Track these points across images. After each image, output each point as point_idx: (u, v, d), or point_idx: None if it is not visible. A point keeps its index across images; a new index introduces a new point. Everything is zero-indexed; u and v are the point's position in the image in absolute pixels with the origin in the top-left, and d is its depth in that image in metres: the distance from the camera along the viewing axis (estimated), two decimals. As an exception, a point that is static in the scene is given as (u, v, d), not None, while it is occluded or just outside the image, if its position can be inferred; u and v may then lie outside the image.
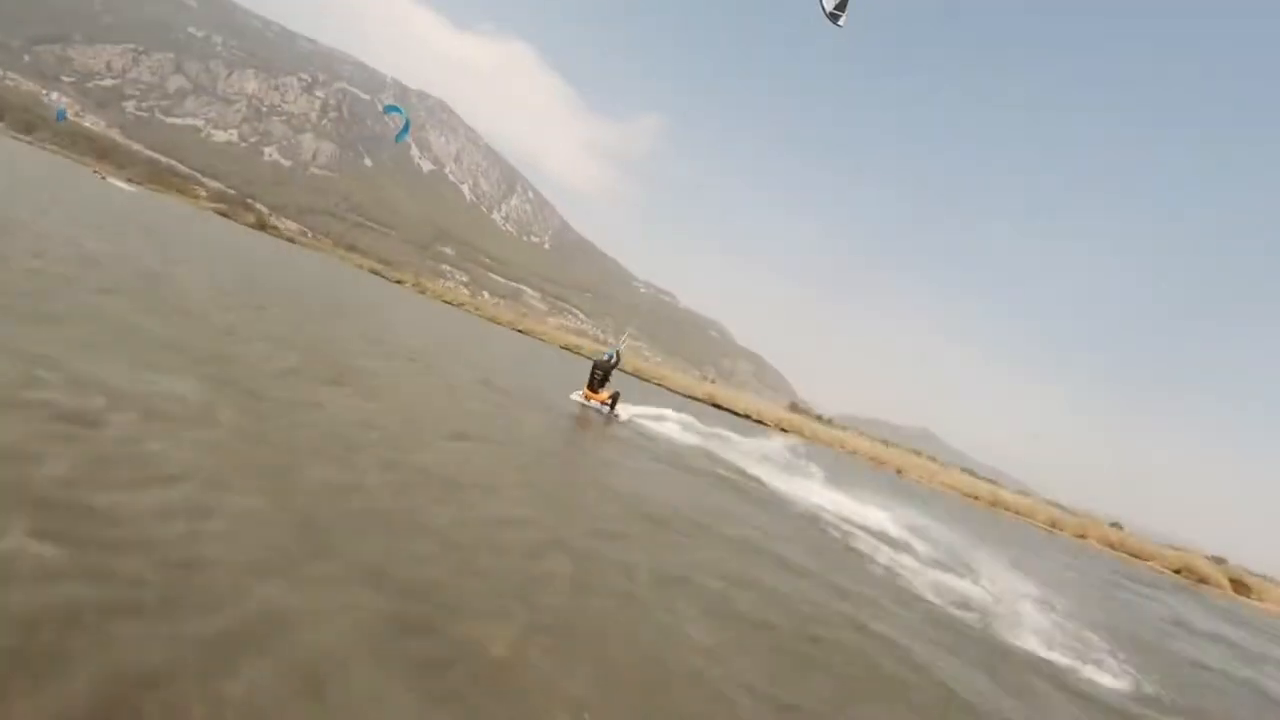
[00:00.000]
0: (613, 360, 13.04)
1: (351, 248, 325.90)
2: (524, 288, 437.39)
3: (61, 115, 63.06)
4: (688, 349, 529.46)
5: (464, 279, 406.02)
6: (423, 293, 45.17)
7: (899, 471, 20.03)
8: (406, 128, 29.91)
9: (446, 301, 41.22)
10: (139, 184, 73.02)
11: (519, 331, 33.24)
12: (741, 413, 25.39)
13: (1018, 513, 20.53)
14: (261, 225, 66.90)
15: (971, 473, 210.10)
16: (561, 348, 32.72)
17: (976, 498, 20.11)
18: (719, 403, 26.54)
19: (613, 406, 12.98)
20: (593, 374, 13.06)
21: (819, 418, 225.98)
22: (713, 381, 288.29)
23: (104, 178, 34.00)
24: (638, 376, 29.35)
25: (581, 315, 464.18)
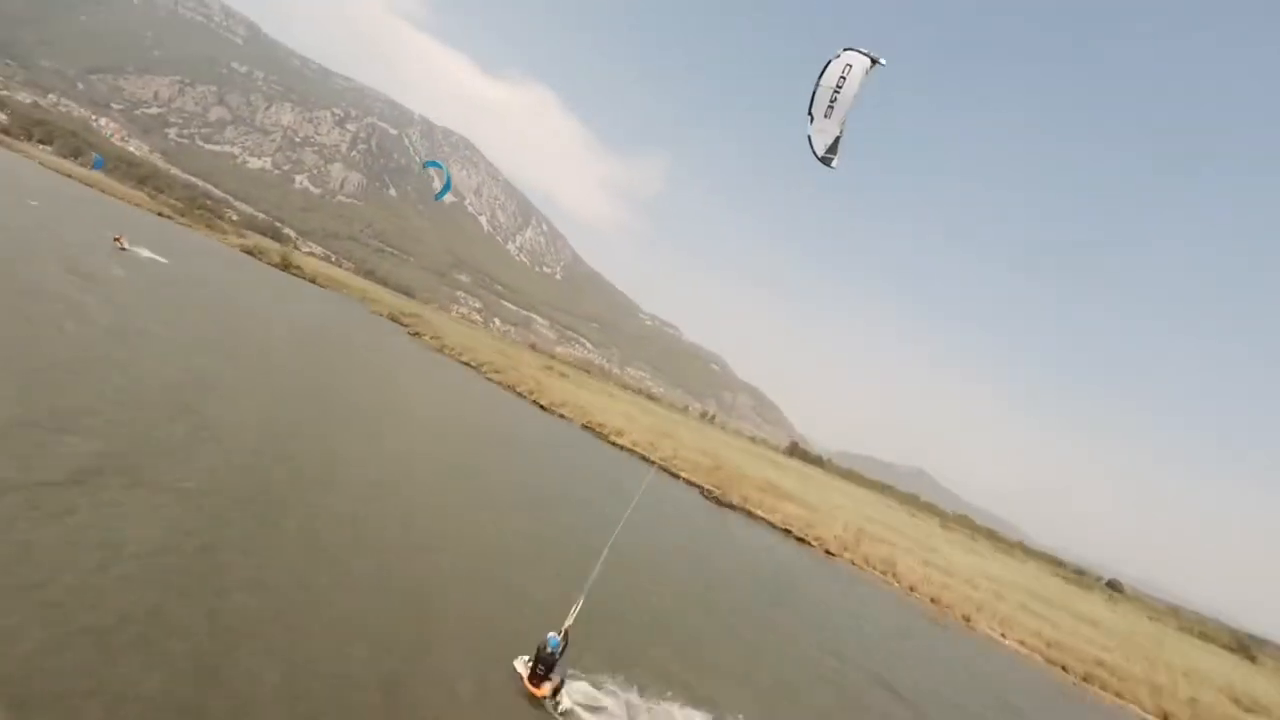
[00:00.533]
0: (557, 652, 10.27)
1: (371, 273, 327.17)
2: (534, 316, 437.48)
3: (99, 164, 61.72)
4: (690, 381, 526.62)
5: (477, 305, 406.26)
6: (440, 350, 42.01)
7: (966, 620, 16.73)
8: (448, 186, 28.05)
9: (464, 363, 37.81)
10: (170, 218, 70.76)
11: (541, 407, 29.60)
12: (793, 533, 21.50)
13: (1118, 695, 16.89)
14: (285, 265, 64.66)
15: (970, 519, 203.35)
16: (583, 426, 28.87)
17: (1064, 668, 16.48)
18: (770, 517, 22.31)
19: (555, 695, 10.21)
20: (534, 668, 10.26)
21: (818, 460, 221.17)
22: (713, 418, 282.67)
23: (123, 247, 28.80)
24: (665, 470, 25.84)
25: (589, 345, 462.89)
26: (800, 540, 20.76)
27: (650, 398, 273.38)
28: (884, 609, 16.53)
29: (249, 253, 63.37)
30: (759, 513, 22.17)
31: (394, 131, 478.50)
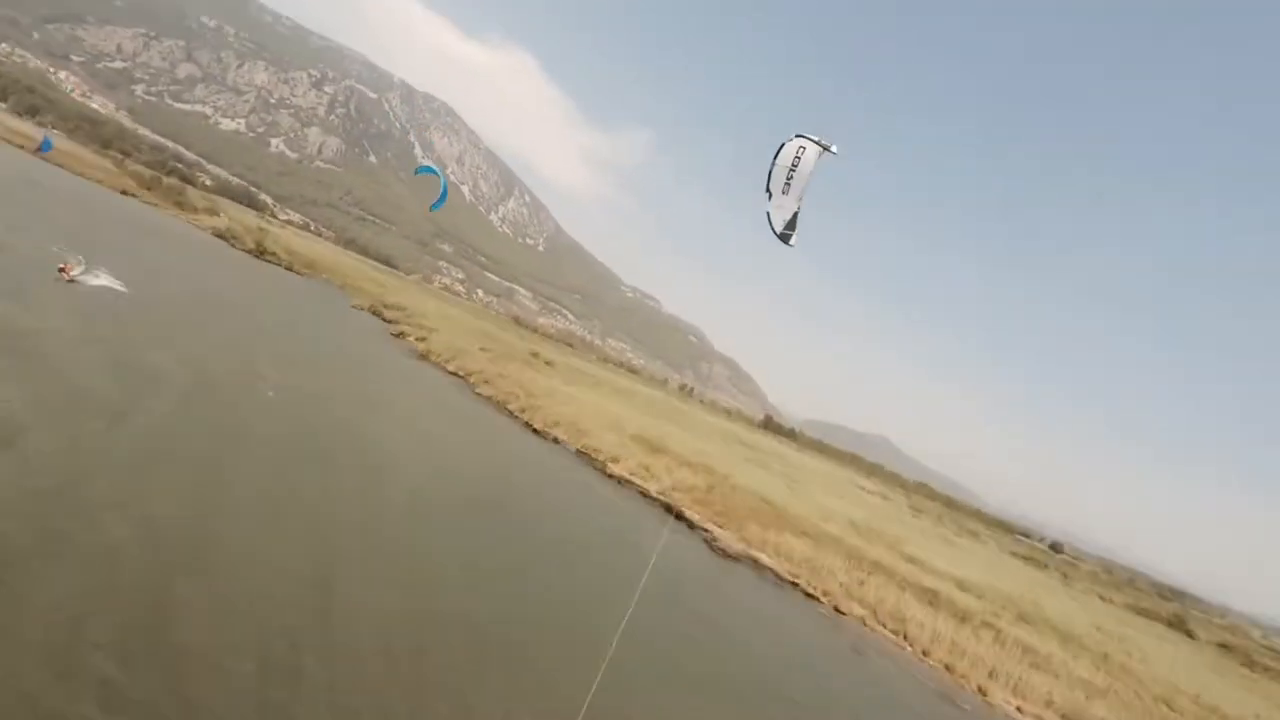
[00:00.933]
0: None
1: (352, 242, 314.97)
2: (517, 287, 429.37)
3: (47, 147, 55.00)
4: (669, 353, 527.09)
5: (460, 275, 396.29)
6: (425, 356, 38.74)
7: (982, 693, 15.76)
8: (444, 195, 25.13)
9: (452, 372, 34.36)
10: (134, 195, 64.03)
11: (535, 431, 26.54)
12: (800, 586, 19.78)
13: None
14: (260, 251, 59.64)
15: (929, 487, 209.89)
16: (578, 452, 25.66)
17: None
18: (776, 566, 20.41)
19: None
20: None
21: (791, 433, 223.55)
22: (692, 391, 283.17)
23: (71, 278, 22.56)
24: (662, 503, 23.45)
25: (571, 316, 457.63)
26: (809, 596, 19.55)
27: (631, 370, 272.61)
28: (910, 698, 15.34)
29: (222, 237, 58.24)
30: (764, 560, 20.84)
31: (373, 95, 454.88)
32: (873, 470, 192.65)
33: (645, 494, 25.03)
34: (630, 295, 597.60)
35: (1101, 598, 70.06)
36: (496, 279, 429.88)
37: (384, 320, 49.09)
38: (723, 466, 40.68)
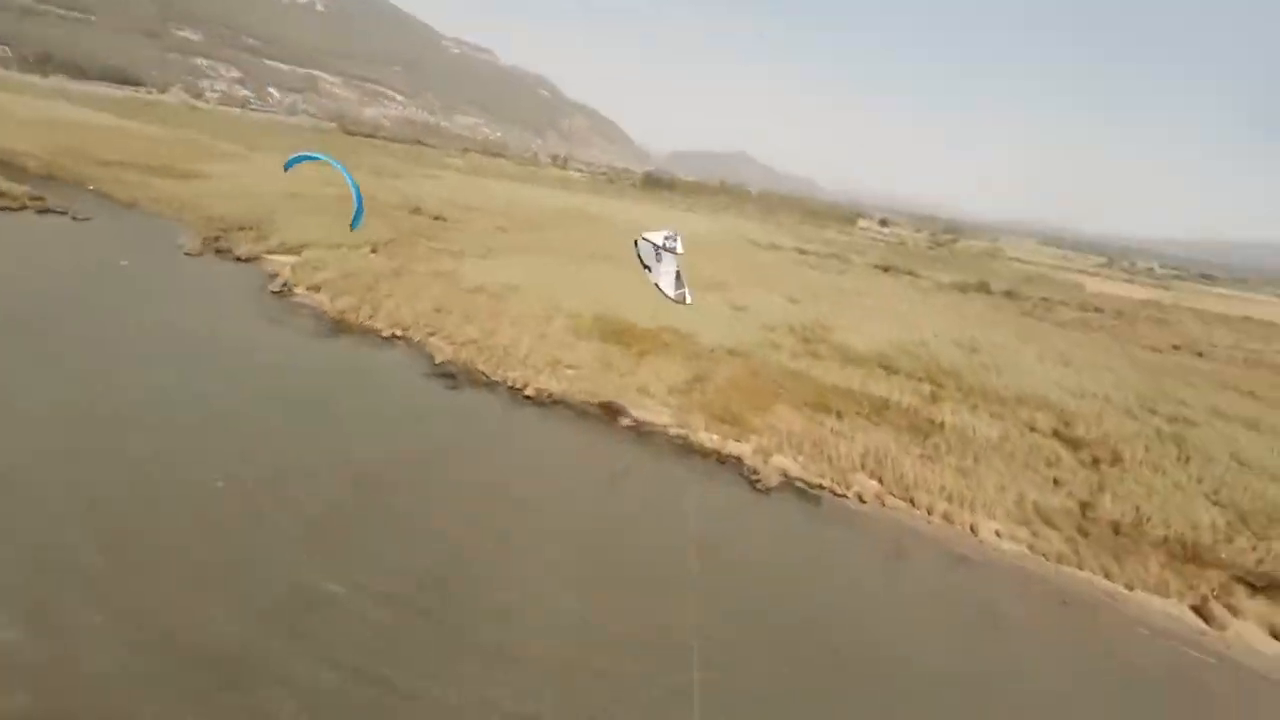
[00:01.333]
0: None
1: (46, 58, 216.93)
2: (319, 74, 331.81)
3: None
4: (522, 113, 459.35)
5: (236, 75, 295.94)
6: (341, 321, 29.53)
7: (973, 530, 18.71)
8: (359, 213, 17.39)
9: (389, 336, 26.32)
10: None
11: (519, 393, 21.30)
12: (827, 487, 20.51)
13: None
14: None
15: (788, 200, 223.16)
16: (633, 425, 21.63)
17: (1078, 566, 18.53)
18: (803, 476, 21.39)
19: None
20: None
21: (670, 184, 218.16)
22: (564, 164, 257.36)
23: None
24: (716, 458, 21.58)
25: (399, 97, 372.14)
26: (836, 495, 22.27)
27: (497, 154, 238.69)
28: (949, 580, 18.46)
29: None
30: (793, 470, 22.91)
31: None
32: (742, 198, 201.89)
33: (656, 429, 25.12)
34: (458, 51, 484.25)
35: (938, 287, 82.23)
36: (288, 68, 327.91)
37: (238, 259, 37.34)
38: (682, 319, 40.16)
